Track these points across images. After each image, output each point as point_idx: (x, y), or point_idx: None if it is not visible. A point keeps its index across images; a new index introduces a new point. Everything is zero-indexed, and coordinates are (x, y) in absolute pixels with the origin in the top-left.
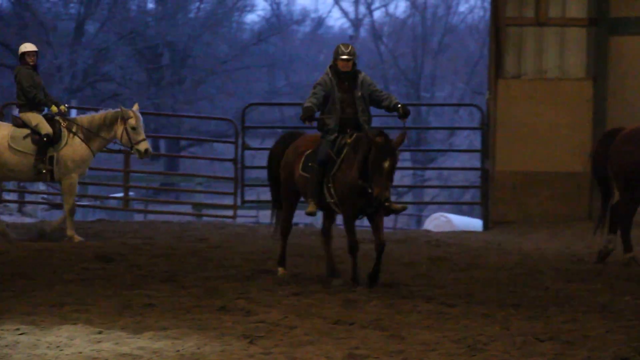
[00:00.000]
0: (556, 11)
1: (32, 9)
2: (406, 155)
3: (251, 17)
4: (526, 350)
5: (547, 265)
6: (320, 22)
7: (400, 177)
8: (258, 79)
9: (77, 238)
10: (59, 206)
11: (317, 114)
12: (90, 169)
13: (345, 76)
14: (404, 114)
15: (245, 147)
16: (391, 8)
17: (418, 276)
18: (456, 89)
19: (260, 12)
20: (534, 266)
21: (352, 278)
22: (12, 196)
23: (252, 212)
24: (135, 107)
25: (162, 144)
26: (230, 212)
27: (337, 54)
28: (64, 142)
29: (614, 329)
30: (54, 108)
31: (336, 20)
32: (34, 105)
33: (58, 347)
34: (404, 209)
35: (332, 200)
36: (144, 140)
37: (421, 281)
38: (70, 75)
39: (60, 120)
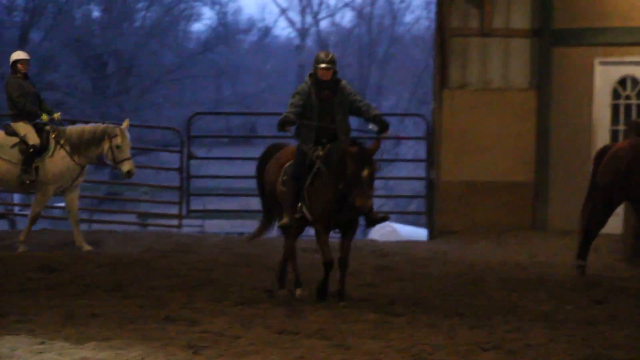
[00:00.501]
0: (500, 22)
1: None
2: None
3: (197, 26)
4: (469, 358)
5: (492, 274)
6: (266, 31)
7: None
8: (204, 88)
9: (23, 248)
10: (1, 216)
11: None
12: None
13: (325, 85)
14: (382, 129)
15: (191, 156)
16: (337, 18)
17: (363, 285)
18: (402, 98)
19: (207, 21)
20: (478, 275)
21: (320, 292)
22: None
23: (198, 222)
24: (125, 124)
25: None
26: (175, 222)
27: (316, 62)
28: (49, 153)
29: (557, 338)
30: (45, 117)
31: (283, 30)
32: (24, 115)
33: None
34: (387, 219)
35: (307, 214)
36: (127, 159)
37: (366, 290)
38: None
39: (50, 130)
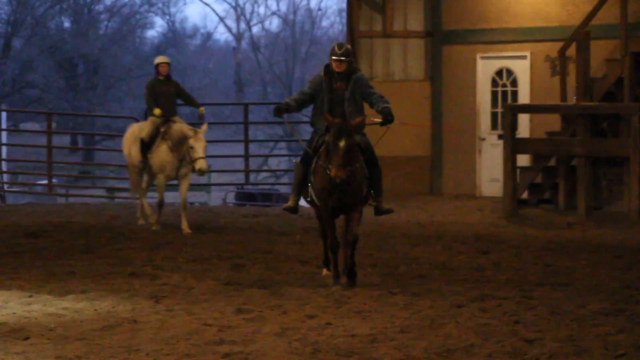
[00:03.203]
0: (399, 25)
1: None
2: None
3: (151, 33)
4: (382, 302)
5: (398, 232)
6: (208, 36)
7: (277, 163)
8: None
9: (156, 227)
10: None
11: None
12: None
13: (339, 76)
14: (385, 122)
15: None
16: (267, 24)
17: (294, 244)
18: None
19: (159, 29)
20: (386, 233)
21: (334, 276)
22: None
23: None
24: (204, 127)
25: (80, 139)
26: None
27: (331, 54)
28: (154, 147)
29: (452, 282)
30: (157, 111)
31: (221, 35)
32: (150, 112)
33: None
34: (392, 211)
35: (313, 198)
36: (200, 158)
37: (296, 248)
38: (0, 83)
39: (162, 130)
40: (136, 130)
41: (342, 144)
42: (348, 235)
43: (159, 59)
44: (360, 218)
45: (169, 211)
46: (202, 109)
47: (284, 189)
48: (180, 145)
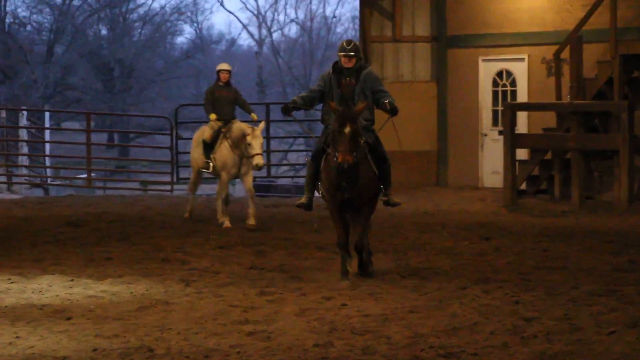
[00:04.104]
0: (408, 31)
1: (13, 37)
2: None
3: (180, 39)
4: (393, 284)
5: (407, 220)
6: (232, 42)
7: (297, 158)
8: (187, 85)
9: (227, 224)
10: (38, 185)
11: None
12: (59, 156)
13: (347, 72)
14: (391, 111)
15: (179, 137)
16: (286, 30)
17: (311, 232)
18: None
19: (188, 35)
20: (397, 221)
21: (342, 273)
22: (2, 178)
23: (184, 187)
24: (261, 125)
25: (116, 136)
26: (168, 187)
27: (339, 50)
28: (217, 147)
29: (456, 266)
30: (213, 116)
31: (245, 40)
32: (207, 116)
33: (40, 292)
34: (399, 204)
35: (323, 194)
36: (256, 155)
37: (314, 235)
38: (44, 86)
39: (223, 130)
40: (199, 135)
41: (347, 130)
42: (351, 241)
43: (220, 66)
44: (367, 224)
45: (200, 203)
46: (254, 115)
47: (302, 181)
48: (239, 143)
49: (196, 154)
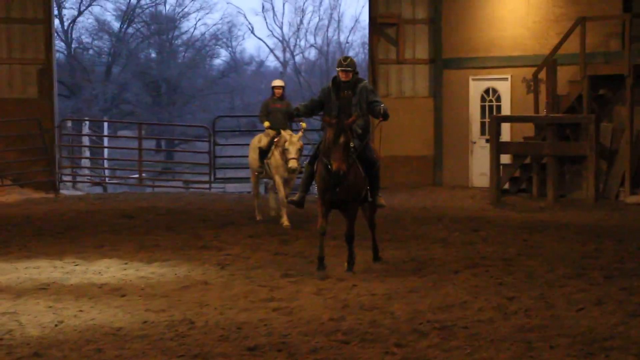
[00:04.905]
0: (409, 54)
1: (78, 59)
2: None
3: (217, 61)
4: (396, 268)
5: (408, 214)
6: (261, 63)
7: None
8: (223, 100)
9: (287, 223)
10: (97, 184)
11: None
12: (115, 159)
13: (345, 85)
14: (384, 116)
15: (215, 144)
16: (306, 54)
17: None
18: None
19: (223, 58)
20: (399, 215)
21: (318, 259)
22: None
23: (221, 185)
24: (300, 132)
25: (163, 142)
26: (207, 186)
27: (337, 65)
28: (270, 153)
29: (450, 253)
30: (267, 124)
31: (271, 62)
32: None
33: (99, 273)
34: (384, 206)
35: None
36: (292, 159)
37: (329, 227)
38: (103, 100)
39: (275, 140)
40: (255, 142)
41: (341, 140)
42: (346, 230)
43: (275, 82)
44: (354, 217)
45: (231, 199)
46: (303, 124)
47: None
48: (284, 150)
49: (252, 157)
